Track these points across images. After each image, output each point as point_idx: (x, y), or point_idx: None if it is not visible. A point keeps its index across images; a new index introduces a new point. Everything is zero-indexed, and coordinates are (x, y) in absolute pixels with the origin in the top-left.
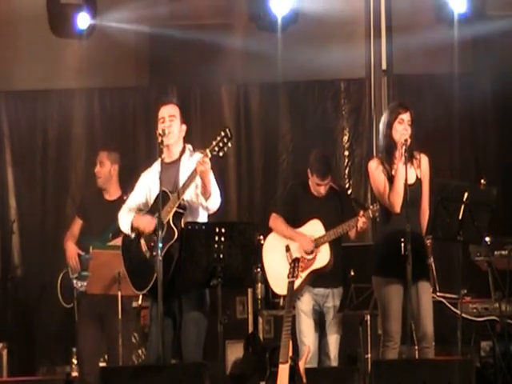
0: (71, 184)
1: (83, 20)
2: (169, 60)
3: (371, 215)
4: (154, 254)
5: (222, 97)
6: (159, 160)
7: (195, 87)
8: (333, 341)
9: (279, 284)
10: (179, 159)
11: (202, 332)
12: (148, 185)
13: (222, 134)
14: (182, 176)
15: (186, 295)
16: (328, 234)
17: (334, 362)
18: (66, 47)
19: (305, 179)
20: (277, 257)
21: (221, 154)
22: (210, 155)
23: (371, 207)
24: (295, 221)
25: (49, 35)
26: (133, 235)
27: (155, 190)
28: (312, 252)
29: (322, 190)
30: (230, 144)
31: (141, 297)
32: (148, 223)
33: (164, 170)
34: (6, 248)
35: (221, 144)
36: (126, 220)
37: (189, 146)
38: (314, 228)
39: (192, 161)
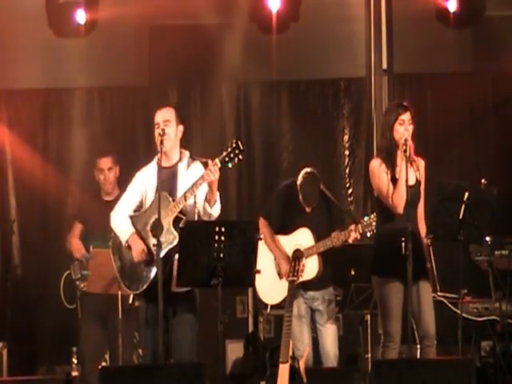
0: (71, 183)
1: (82, 18)
2: (169, 60)
3: (360, 230)
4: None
5: (222, 97)
6: (155, 162)
7: (195, 87)
8: (330, 339)
9: (266, 293)
10: (176, 164)
11: (195, 334)
12: (144, 186)
13: (234, 145)
14: (179, 182)
15: (180, 297)
16: (317, 245)
17: (335, 362)
18: (65, 47)
19: (293, 185)
20: (264, 265)
21: (230, 165)
22: (219, 165)
23: (362, 221)
24: (283, 225)
25: (49, 35)
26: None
27: (151, 193)
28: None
29: (307, 209)
30: (241, 156)
31: (131, 296)
32: (139, 254)
33: (160, 174)
34: (6, 248)
35: (232, 155)
36: (124, 227)
37: (186, 153)
38: (303, 237)
39: (192, 169)
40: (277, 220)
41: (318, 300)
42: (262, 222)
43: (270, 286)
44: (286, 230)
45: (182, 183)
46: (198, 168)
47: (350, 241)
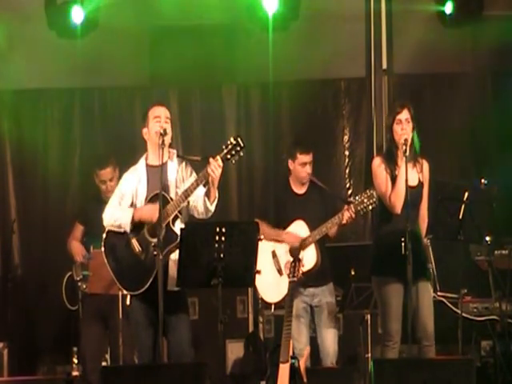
0: (71, 184)
1: (82, 18)
2: (169, 60)
3: (353, 209)
4: (154, 253)
5: (222, 97)
6: (143, 161)
7: (195, 87)
8: (330, 336)
9: (268, 292)
10: (166, 162)
11: (190, 332)
12: (134, 186)
13: (234, 141)
14: (170, 179)
15: (173, 298)
16: (313, 234)
17: (334, 359)
18: (65, 47)
19: (284, 179)
20: (264, 264)
21: (233, 161)
22: (221, 162)
23: (354, 200)
24: (279, 221)
25: (49, 35)
26: (129, 230)
27: (142, 192)
28: (299, 250)
29: (308, 168)
30: (241, 153)
31: (129, 297)
32: (152, 211)
33: (151, 172)
34: (6, 248)
35: (233, 152)
36: (124, 216)
37: (174, 151)
38: (299, 229)
39: (180, 167)
40: (272, 213)
41: (318, 296)
42: (259, 223)
43: (270, 285)
44: (281, 222)
45: (173, 181)
46: (187, 167)
47: (345, 221)
